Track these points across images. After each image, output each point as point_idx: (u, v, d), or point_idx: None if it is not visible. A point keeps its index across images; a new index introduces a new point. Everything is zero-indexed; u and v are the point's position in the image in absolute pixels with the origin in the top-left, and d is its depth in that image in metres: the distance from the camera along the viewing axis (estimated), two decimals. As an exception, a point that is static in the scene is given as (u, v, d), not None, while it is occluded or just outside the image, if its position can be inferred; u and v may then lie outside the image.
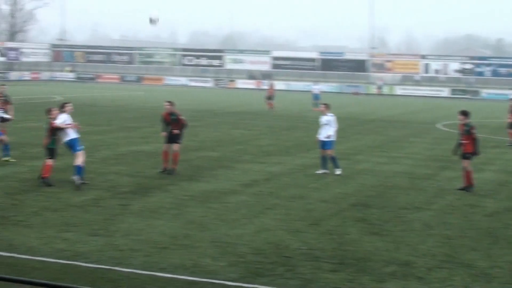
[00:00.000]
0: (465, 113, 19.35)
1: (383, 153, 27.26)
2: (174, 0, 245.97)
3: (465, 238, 13.85)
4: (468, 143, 19.08)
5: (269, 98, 50.84)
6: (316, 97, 55.58)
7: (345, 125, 39.76)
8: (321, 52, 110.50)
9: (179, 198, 16.95)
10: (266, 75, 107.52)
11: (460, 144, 19.31)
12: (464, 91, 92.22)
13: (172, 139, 20.66)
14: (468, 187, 19.04)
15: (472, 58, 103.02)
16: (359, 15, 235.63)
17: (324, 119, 21.87)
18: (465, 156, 19.18)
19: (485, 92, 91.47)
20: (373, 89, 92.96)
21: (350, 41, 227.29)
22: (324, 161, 21.57)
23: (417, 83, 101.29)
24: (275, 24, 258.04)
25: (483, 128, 39.08)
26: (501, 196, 18.56)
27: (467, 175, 19.18)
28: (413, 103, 68.03)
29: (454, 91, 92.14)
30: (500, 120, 47.82)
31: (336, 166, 21.46)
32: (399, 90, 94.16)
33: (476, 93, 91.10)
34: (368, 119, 44.77)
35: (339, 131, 23.35)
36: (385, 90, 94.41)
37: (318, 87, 58.24)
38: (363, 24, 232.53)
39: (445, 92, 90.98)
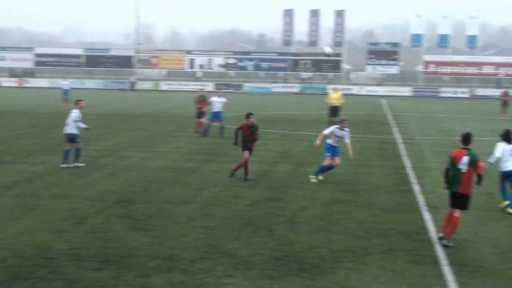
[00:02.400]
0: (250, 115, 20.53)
1: (148, 148, 27.33)
2: None
3: (227, 229, 14.25)
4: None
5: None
6: (65, 92, 54.90)
7: (110, 121, 39.52)
8: (86, 49, 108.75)
9: None
10: (28, 73, 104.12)
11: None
12: (228, 85, 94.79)
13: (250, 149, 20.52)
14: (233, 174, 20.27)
15: (236, 53, 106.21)
16: (126, 12, 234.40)
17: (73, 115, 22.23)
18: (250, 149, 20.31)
19: (247, 86, 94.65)
20: (127, 86, 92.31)
21: (116, 38, 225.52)
22: (67, 155, 22.08)
23: (197, 79, 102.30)
24: (38, 21, 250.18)
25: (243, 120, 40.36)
26: (261, 186, 19.27)
27: (245, 165, 20.17)
28: (178, 98, 68.77)
29: (218, 85, 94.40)
30: (262, 113, 49.73)
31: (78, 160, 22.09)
32: (164, 86, 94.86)
33: (239, 86, 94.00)
34: (133, 115, 44.62)
35: (103, 128, 23.16)
36: (150, 85, 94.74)
37: (67, 83, 57.03)
38: (130, 20, 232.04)
39: (209, 86, 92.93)
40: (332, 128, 20.97)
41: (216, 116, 32.77)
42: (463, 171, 13.32)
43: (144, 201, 16.79)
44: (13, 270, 11.15)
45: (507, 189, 17.07)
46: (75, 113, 22.33)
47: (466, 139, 13.64)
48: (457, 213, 13.38)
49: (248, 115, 20.62)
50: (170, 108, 53.50)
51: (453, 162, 13.44)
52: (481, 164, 13.47)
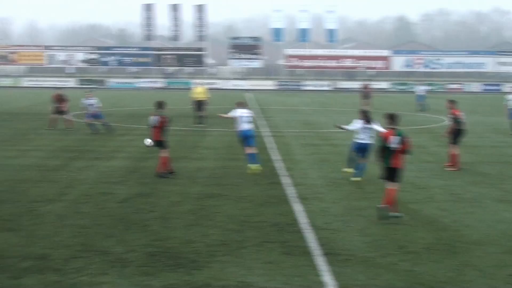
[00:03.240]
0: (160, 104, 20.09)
1: (11, 147, 26.52)
2: None
3: (99, 226, 14.05)
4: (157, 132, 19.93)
5: None
6: None
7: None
8: None
9: None
10: None
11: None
12: (91, 81, 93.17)
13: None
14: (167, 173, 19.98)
15: (98, 48, 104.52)
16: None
17: None
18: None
19: (111, 81, 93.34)
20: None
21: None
22: None
23: (69, 74, 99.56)
24: None
25: (111, 116, 39.84)
26: (131, 183, 19.11)
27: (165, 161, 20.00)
28: (40, 95, 66.93)
29: (81, 81, 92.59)
30: (127, 108, 49.28)
31: None
32: (25, 82, 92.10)
33: (102, 82, 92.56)
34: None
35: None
36: (9, 82, 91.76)
37: None
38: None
39: (71, 82, 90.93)
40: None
41: (95, 116, 32.32)
42: (394, 148, 14.64)
43: (11, 201, 16.30)
44: None
45: (355, 160, 20.05)
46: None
47: (393, 119, 15.01)
48: (391, 185, 14.86)
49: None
50: (32, 105, 52.02)
51: (384, 141, 14.77)
52: (409, 140, 15.04)
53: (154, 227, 14.03)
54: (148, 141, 20.09)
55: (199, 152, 25.90)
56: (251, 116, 21.86)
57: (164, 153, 20.03)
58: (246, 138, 21.38)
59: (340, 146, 28.07)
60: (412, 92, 65.13)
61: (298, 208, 16.01)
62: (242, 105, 21.93)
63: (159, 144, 19.99)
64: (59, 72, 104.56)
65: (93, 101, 32.51)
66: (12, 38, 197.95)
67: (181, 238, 13.20)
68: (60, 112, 33.25)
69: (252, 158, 21.37)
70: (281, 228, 14.15)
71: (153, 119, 19.87)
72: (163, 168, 20.00)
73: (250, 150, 21.47)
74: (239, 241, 13.05)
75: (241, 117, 21.35)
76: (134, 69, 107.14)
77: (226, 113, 22.54)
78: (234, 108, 21.84)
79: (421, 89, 54.75)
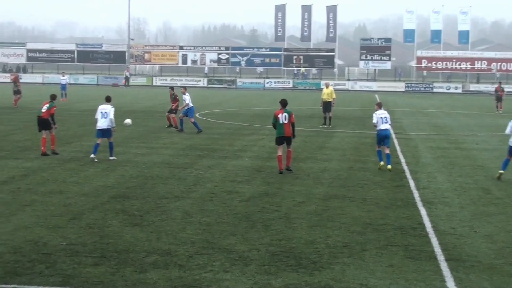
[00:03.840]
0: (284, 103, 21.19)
1: (142, 143, 27.32)
2: None
3: (223, 224, 14.25)
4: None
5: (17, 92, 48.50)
6: (63, 87, 57.15)
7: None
8: (79, 44, 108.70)
9: None
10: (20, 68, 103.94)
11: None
12: (221, 81, 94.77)
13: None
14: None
15: (228, 48, 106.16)
16: (117, 7, 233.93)
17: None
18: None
19: (240, 81, 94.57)
20: (122, 81, 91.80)
21: (108, 33, 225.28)
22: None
23: (201, 74, 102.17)
24: (30, 15, 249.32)
25: (239, 116, 40.44)
26: (257, 182, 19.28)
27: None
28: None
29: (210, 80, 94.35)
30: (256, 108, 49.81)
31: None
32: (157, 81, 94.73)
33: (232, 82, 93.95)
34: (127, 111, 44.56)
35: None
36: (144, 81, 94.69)
37: (65, 78, 59.20)
38: (121, 15, 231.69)
39: (202, 81, 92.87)
40: None
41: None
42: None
43: (140, 197, 16.77)
44: (10, 265, 11.12)
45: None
46: (113, 109, 22.88)
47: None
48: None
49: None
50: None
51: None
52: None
53: (278, 227, 14.09)
54: (128, 121, 21.77)
55: (325, 153, 25.83)
56: (388, 117, 22.42)
57: (290, 148, 21.16)
58: (382, 138, 22.06)
59: (469, 150, 27.36)
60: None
61: (423, 212, 15.70)
62: (380, 106, 22.81)
63: (288, 140, 20.88)
64: (191, 71, 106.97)
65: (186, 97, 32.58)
66: (146, 37, 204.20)
67: (304, 239, 13.20)
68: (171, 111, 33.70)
69: (386, 158, 21.94)
70: (405, 231, 13.91)
71: (284, 115, 20.76)
72: (283, 163, 21.05)
73: (387, 151, 22.08)
74: (362, 244, 12.92)
75: (380, 118, 22.09)
76: (263, 69, 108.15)
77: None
78: (374, 110, 22.81)
79: None
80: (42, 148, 23.40)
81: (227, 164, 22.43)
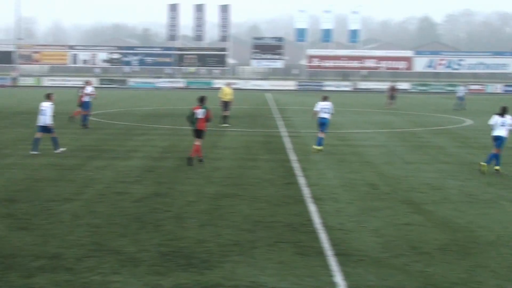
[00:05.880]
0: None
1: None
2: None
3: (113, 226, 14.09)
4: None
5: None
6: None
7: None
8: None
9: None
10: None
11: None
12: (112, 81, 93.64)
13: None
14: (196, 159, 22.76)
15: (120, 47, 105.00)
16: (4, 5, 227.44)
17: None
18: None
19: (132, 81, 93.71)
20: (8, 82, 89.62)
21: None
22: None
23: (92, 74, 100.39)
24: None
25: (131, 116, 40.07)
26: (148, 182, 19.14)
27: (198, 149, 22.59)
28: (60, 94, 67.29)
29: (102, 80, 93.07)
30: (148, 108, 49.47)
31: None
32: (47, 81, 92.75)
33: (123, 82, 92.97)
34: (14, 112, 43.46)
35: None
36: (32, 81, 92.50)
37: None
38: (9, 14, 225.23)
39: (93, 81, 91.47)
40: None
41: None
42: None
43: (27, 200, 16.36)
44: None
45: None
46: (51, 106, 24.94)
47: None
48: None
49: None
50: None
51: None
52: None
53: (168, 227, 14.06)
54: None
55: (217, 152, 25.90)
56: (329, 108, 26.76)
57: (199, 142, 22.37)
58: (321, 124, 26.42)
59: (358, 147, 28.05)
60: (454, 92, 67.04)
61: (313, 209, 15.98)
62: (325, 99, 27.19)
63: (200, 133, 22.36)
64: (82, 71, 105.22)
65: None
66: (36, 37, 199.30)
67: (194, 238, 13.22)
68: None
69: (319, 141, 25.96)
70: (294, 228, 14.12)
71: (201, 111, 22.10)
72: (196, 154, 22.44)
73: (321, 135, 26.12)
74: (252, 241, 13.04)
75: (321, 108, 26.60)
76: (156, 69, 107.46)
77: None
78: (317, 102, 27.18)
79: (461, 89, 56.70)
80: None
81: (117, 164, 22.19)
